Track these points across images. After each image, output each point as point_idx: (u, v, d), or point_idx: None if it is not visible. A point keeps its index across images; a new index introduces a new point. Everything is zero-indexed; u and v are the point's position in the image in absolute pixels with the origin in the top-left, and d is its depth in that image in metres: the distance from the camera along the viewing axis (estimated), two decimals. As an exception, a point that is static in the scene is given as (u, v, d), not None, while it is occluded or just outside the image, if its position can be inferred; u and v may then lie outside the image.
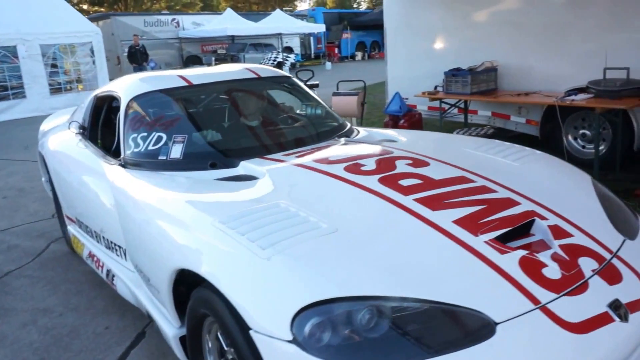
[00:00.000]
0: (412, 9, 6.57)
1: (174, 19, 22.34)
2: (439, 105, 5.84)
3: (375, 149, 2.56)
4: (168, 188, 2.29)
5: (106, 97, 3.35)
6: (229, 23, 21.16)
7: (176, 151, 2.63)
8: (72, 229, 3.37)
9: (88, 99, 3.58)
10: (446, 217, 1.78)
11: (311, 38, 28.21)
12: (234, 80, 3.25)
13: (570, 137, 5.16)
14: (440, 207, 1.86)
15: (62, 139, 3.55)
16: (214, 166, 2.53)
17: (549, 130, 5.26)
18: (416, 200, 1.90)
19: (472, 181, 2.11)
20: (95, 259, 2.94)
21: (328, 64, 23.16)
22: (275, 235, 1.62)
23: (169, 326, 2.09)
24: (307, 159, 2.45)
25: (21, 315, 2.96)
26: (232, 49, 21.85)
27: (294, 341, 1.35)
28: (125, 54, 16.01)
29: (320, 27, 24.97)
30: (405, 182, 2.05)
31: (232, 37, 22.57)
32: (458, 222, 1.76)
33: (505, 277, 1.54)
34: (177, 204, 2.08)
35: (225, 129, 2.96)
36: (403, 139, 2.89)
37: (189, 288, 1.86)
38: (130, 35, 16.73)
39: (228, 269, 1.59)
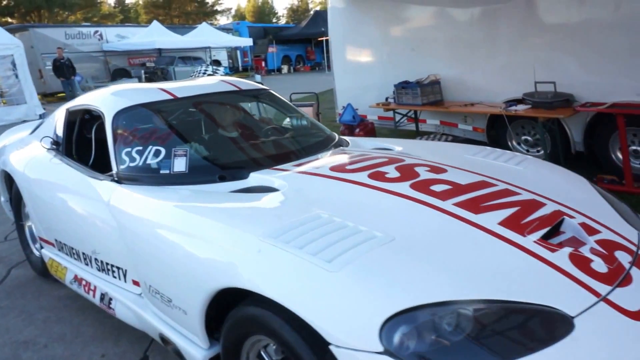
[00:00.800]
0: (357, 24, 6.76)
1: (96, 32, 21.30)
2: (393, 115, 6.05)
3: (386, 156, 2.59)
4: (180, 202, 2.18)
5: (81, 110, 3.16)
6: (156, 36, 20.50)
7: (180, 164, 2.52)
8: (48, 252, 3.10)
9: (58, 113, 3.35)
10: (491, 220, 1.84)
11: (238, 52, 28.07)
12: (217, 93, 3.19)
13: (514, 142, 5.53)
14: (481, 210, 1.91)
15: (32, 155, 3.27)
16: (222, 179, 2.45)
17: (494, 136, 5.62)
18: (456, 205, 1.94)
19: (494, 185, 2.19)
20: (83, 282, 2.73)
21: (257, 77, 23.13)
22: (336, 247, 1.59)
23: (196, 348, 1.98)
24: (321, 168, 2.43)
25: (0, 351, 2.67)
26: (161, 62, 21.22)
27: (386, 352, 1.33)
28: (48, 67, 15.05)
29: (248, 41, 24.93)
30: (436, 188, 2.10)
31: (159, 50, 21.92)
32: (503, 223, 1.82)
33: (564, 274, 1.61)
34: (201, 220, 1.97)
35: (225, 140, 2.88)
36: (398, 147, 2.94)
37: (219, 308, 1.81)
38: (50, 48, 15.78)
39: (292, 285, 1.52)
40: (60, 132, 3.21)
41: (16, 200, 3.62)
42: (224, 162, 2.64)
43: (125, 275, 2.43)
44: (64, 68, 13.25)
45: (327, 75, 24.80)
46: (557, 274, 1.60)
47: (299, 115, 3.39)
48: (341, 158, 2.64)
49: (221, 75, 22.12)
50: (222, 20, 51.21)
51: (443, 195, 2.02)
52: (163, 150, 2.57)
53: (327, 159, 2.62)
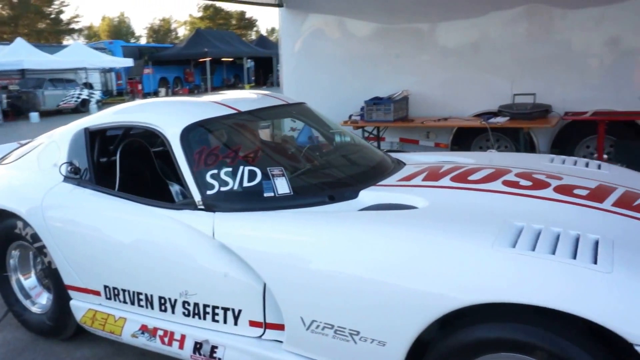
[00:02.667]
0: (314, 41, 6.71)
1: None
2: (362, 133, 6.07)
3: (492, 166, 2.53)
4: (338, 228, 1.92)
5: (112, 129, 2.71)
6: (23, 55, 18.23)
7: (282, 185, 2.27)
8: (85, 303, 2.56)
9: (64, 135, 2.81)
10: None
11: (112, 73, 26.19)
12: (273, 107, 2.94)
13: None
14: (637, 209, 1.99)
15: (41, 188, 2.68)
16: (332, 199, 2.24)
17: (458, 150, 5.94)
18: (614, 205, 2.00)
19: (615, 188, 2.29)
20: (159, 332, 2.29)
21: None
22: (585, 250, 1.57)
23: None
24: (442, 181, 2.33)
25: None
26: (27, 84, 18.84)
27: None
28: None
29: (128, 62, 23.36)
30: (579, 192, 2.13)
31: (22, 72, 19.50)
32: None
33: None
34: (397, 242, 1.77)
35: (315, 157, 2.65)
36: (469, 160, 2.91)
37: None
38: None
39: (572, 292, 1.46)
40: (78, 157, 2.70)
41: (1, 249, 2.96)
42: (327, 180, 2.42)
43: (237, 317, 2.10)
44: None
45: (213, 97, 24.28)
46: None
47: (342, 130, 3.25)
48: (438, 170, 2.55)
49: (97, 100, 20.44)
50: (70, 40, 47.34)
51: (594, 198, 2.06)
52: (258, 171, 2.29)
53: (425, 173, 2.52)
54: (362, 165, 2.67)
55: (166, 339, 2.28)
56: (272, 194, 2.22)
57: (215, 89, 28.64)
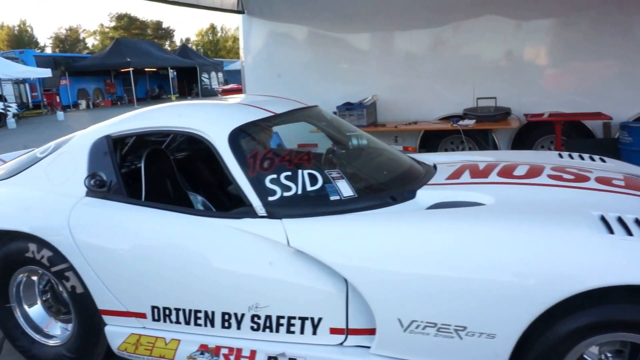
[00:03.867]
0: (279, 48, 6.66)
1: None
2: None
3: (527, 163, 2.63)
4: (440, 226, 1.92)
5: (142, 136, 2.56)
6: None
7: (345, 188, 2.24)
8: (126, 328, 2.35)
9: (87, 145, 2.57)
10: None
11: (26, 85, 24.33)
12: (301, 109, 2.90)
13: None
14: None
15: (61, 206, 2.45)
16: (394, 199, 2.24)
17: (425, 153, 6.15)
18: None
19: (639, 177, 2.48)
20: (224, 351, 2.17)
21: (60, 114, 20.36)
22: None
23: None
24: (490, 177, 2.40)
25: None
26: None
27: None
28: None
29: (45, 72, 21.80)
30: (617, 182, 2.27)
31: None
32: None
33: None
34: (504, 237, 1.79)
35: (365, 157, 2.63)
36: (483, 158, 3.02)
37: None
38: None
39: None
40: (101, 168, 2.49)
41: (4, 276, 2.66)
42: (380, 181, 2.41)
43: (316, 326, 2.04)
44: None
45: (137, 108, 23.06)
46: None
47: (360, 132, 3.25)
48: (478, 167, 2.61)
49: (13, 114, 18.87)
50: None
51: (633, 187, 2.21)
52: (318, 174, 2.24)
53: (467, 171, 2.57)
54: (400, 166, 2.68)
55: (232, 357, 2.16)
56: (337, 197, 2.18)
57: (140, 100, 27.50)
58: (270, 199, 2.14)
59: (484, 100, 5.57)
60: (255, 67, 6.87)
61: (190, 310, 2.21)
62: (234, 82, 29.64)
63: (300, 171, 2.23)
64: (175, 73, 30.84)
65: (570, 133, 5.36)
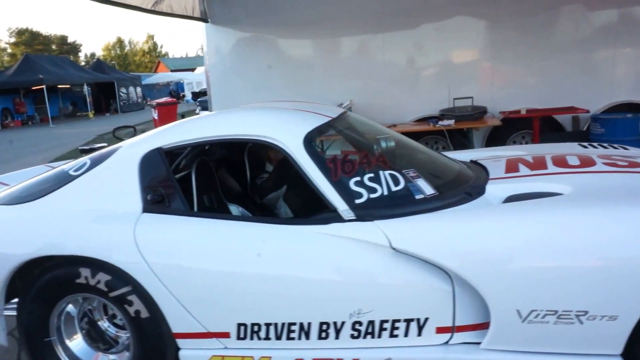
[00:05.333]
0: (241, 53, 6.56)
1: None
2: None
3: (567, 153, 2.77)
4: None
5: (197, 147, 2.43)
6: None
7: (426, 187, 2.25)
8: (201, 351, 2.20)
9: (136, 159, 2.37)
10: None
11: None
12: (345, 113, 2.89)
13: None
14: None
15: (124, 229, 2.23)
16: (470, 195, 2.28)
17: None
18: None
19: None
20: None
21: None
22: None
23: None
24: (550, 169, 2.49)
25: None
26: None
27: None
28: None
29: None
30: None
31: None
32: None
33: None
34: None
35: (418, 158, 2.64)
36: (514, 152, 3.11)
37: None
38: None
39: None
40: (157, 181, 2.32)
41: (46, 307, 2.38)
42: (449, 178, 2.44)
43: (422, 326, 2.02)
44: None
45: (53, 128, 21.45)
46: None
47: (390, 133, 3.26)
48: (527, 160, 2.70)
49: None
50: None
51: None
52: (399, 174, 2.23)
53: (521, 164, 2.64)
54: (451, 164, 2.72)
55: (337, 366, 2.07)
56: (422, 196, 2.18)
57: (54, 119, 25.68)
58: (357, 201, 2.09)
59: (460, 101, 5.80)
60: (222, 76, 6.71)
61: (283, 324, 2.10)
62: (151, 96, 28.65)
63: (382, 172, 2.21)
64: (89, 89, 29.12)
65: (542, 127, 5.71)
